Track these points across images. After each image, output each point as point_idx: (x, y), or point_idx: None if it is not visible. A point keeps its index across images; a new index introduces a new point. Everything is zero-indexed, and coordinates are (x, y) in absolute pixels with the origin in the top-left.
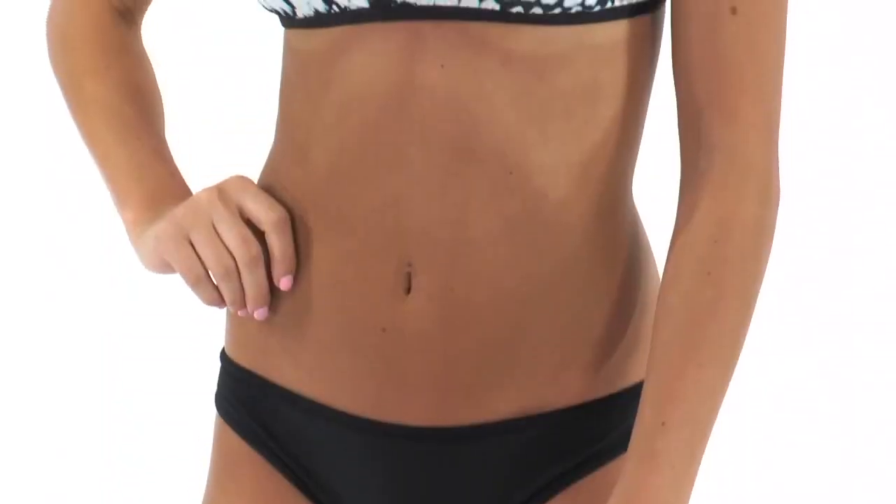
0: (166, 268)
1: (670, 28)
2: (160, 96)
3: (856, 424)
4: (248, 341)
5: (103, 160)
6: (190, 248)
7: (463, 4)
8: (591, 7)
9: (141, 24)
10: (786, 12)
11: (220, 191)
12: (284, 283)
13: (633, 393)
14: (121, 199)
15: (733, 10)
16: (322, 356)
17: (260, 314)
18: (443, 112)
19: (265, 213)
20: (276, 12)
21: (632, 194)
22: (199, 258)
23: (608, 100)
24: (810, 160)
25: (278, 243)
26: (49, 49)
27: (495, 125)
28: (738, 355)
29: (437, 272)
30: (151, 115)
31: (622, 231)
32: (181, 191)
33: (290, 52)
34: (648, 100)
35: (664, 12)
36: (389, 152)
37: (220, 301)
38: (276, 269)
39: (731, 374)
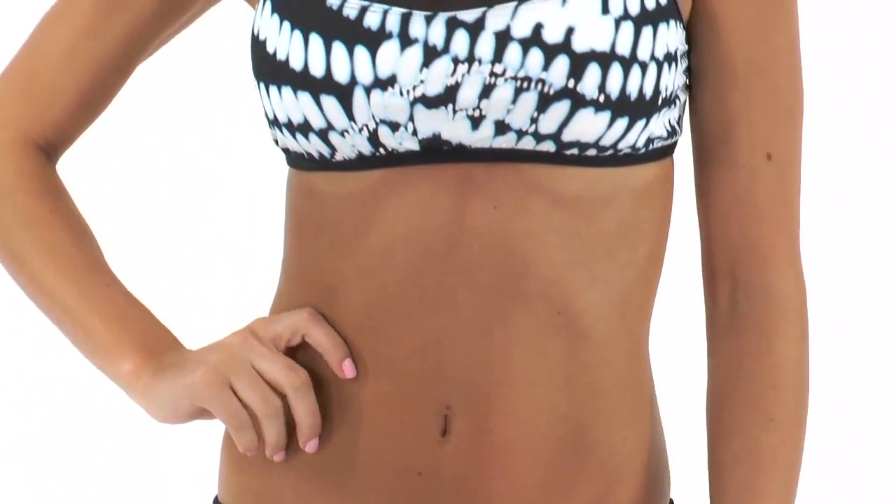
0: (191, 417)
1: (699, 175)
2: (95, 237)
3: (855, 424)
4: (253, 488)
5: (77, 313)
6: (232, 393)
7: (518, 147)
8: (638, 149)
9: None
10: (801, 155)
11: (252, 331)
12: (311, 447)
13: None
14: (110, 351)
15: (769, 157)
16: (349, 503)
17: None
18: (493, 253)
19: (296, 319)
20: (306, 155)
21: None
22: (242, 403)
23: (644, 240)
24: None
25: (302, 407)
26: None
27: (545, 266)
28: (796, 493)
29: (475, 414)
30: (101, 259)
31: (646, 368)
32: (170, 335)
33: (309, 194)
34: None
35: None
36: (433, 294)
37: (257, 447)
38: (302, 435)
39: None
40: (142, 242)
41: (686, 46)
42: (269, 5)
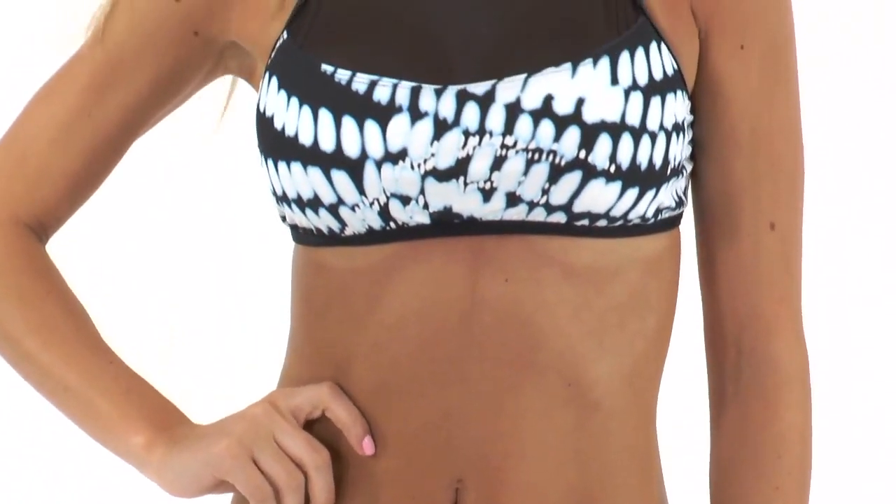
0: (211, 490)
1: (702, 244)
2: (90, 318)
3: (855, 424)
4: None
5: (79, 391)
6: (255, 466)
7: (529, 218)
8: (647, 220)
9: (49, 239)
10: (802, 223)
11: (272, 403)
12: None
13: None
14: (118, 427)
15: (772, 226)
16: None
17: None
18: (505, 326)
19: (317, 392)
20: (316, 230)
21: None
22: (265, 475)
23: (653, 310)
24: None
25: (319, 484)
26: None
27: (557, 338)
28: None
29: (486, 487)
30: (100, 337)
31: (653, 438)
32: (177, 410)
33: (318, 270)
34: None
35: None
36: (445, 368)
37: None
38: None
39: None
40: (147, 320)
41: (691, 117)
42: (275, 82)
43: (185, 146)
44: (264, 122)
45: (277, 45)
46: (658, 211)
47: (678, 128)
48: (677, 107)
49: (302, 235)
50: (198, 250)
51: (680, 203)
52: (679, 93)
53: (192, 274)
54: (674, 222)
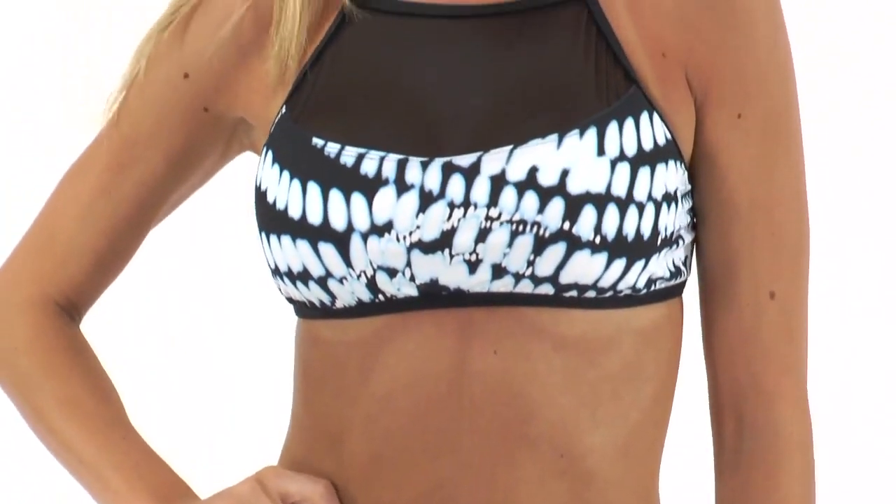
0: None
1: (704, 313)
2: (118, 394)
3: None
4: None
5: (93, 466)
6: None
7: (517, 290)
8: (639, 290)
9: (82, 319)
10: (807, 292)
11: (260, 482)
12: None
13: None
14: (125, 498)
15: (772, 295)
16: None
17: None
18: (495, 397)
19: (311, 488)
20: (308, 304)
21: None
22: None
23: (650, 380)
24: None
25: None
26: None
27: (549, 410)
28: None
29: None
30: (123, 416)
31: None
32: (183, 485)
33: (314, 342)
34: (676, 380)
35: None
36: (437, 439)
37: None
38: None
39: None
40: (146, 321)
41: (689, 186)
42: (270, 156)
43: (199, 224)
44: (259, 197)
45: (276, 119)
46: (651, 281)
47: (670, 198)
48: (669, 177)
49: (299, 309)
50: (197, 251)
51: (677, 273)
52: (672, 162)
53: (191, 275)
54: (671, 292)
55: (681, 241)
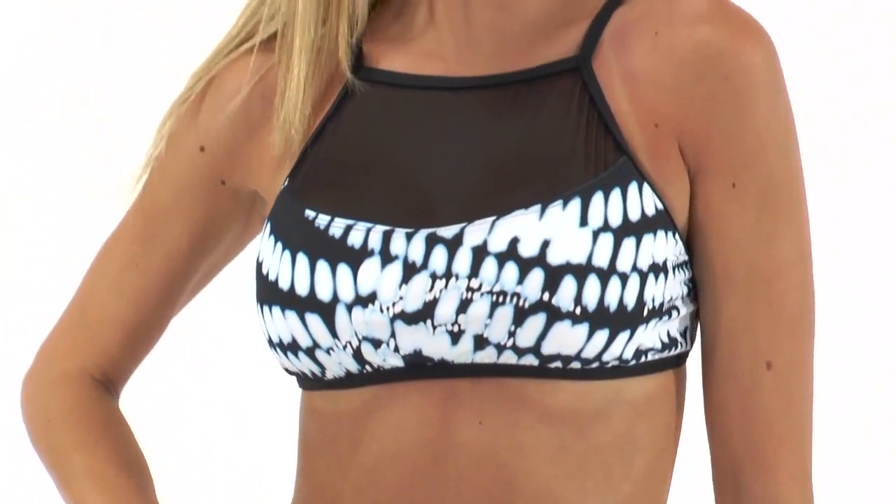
0: None
1: (704, 382)
2: (148, 467)
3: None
4: None
5: None
6: None
7: (501, 361)
8: (627, 361)
9: (120, 394)
10: (813, 361)
11: None
12: None
13: None
14: None
15: (768, 365)
16: None
17: None
18: (480, 469)
19: None
20: (302, 375)
21: None
22: None
23: (643, 453)
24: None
25: None
26: (29, 427)
27: (534, 481)
28: None
29: None
30: (146, 488)
31: None
32: None
33: (311, 413)
34: (677, 451)
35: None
36: None
37: None
38: None
39: None
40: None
41: (685, 256)
42: (268, 228)
43: (214, 294)
44: (258, 270)
45: (279, 192)
46: (640, 353)
47: (658, 268)
48: (658, 247)
49: (298, 380)
50: (207, 327)
51: (672, 345)
52: (662, 232)
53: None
54: (667, 364)
55: (675, 312)
